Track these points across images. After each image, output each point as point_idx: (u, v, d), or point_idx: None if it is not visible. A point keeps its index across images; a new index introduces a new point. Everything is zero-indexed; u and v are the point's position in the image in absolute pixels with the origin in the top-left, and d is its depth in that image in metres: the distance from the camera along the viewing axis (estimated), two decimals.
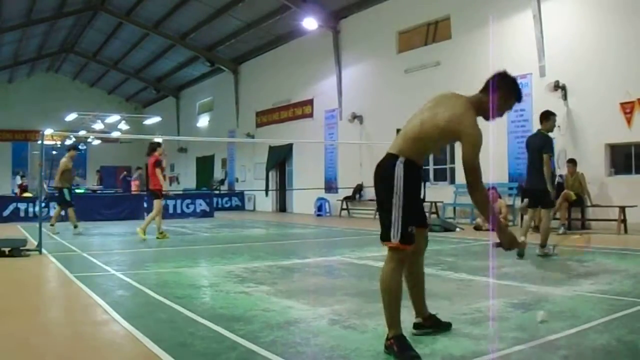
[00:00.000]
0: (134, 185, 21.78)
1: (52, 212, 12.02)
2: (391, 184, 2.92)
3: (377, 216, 3.09)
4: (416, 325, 3.30)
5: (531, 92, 11.75)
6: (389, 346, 2.90)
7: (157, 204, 9.78)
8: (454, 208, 13.44)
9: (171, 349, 3.01)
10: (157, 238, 9.68)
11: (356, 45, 16.86)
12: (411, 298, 3.30)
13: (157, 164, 9.78)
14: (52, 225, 10.82)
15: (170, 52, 24.35)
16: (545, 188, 6.65)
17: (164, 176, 10.09)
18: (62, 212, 11.34)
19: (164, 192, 10.14)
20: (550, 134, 7.00)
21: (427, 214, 3.57)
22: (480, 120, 3.06)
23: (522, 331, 3.30)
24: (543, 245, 6.76)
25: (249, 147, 22.43)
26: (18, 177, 23.07)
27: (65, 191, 10.95)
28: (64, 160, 11.13)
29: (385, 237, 2.94)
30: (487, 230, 10.32)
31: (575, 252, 7.14)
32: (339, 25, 17.34)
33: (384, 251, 3.03)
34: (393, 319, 2.92)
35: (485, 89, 3.13)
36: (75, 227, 10.93)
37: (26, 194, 17.20)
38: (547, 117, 6.91)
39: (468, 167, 2.90)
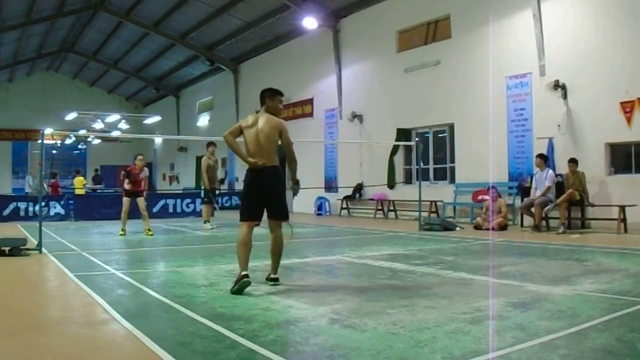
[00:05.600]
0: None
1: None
2: (284, 184, 4.96)
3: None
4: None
5: (531, 92, 11.75)
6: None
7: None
8: (454, 207, 13.43)
9: (171, 348, 3.01)
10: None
11: (356, 45, 16.85)
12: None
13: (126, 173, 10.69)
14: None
15: (170, 51, 24.34)
16: None
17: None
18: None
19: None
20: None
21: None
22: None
23: (522, 330, 3.30)
24: None
25: None
26: (30, 177, 23.00)
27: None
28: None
29: (287, 216, 4.99)
30: (487, 229, 10.32)
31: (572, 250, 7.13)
32: (339, 25, 17.32)
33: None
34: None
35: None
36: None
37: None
38: None
39: (291, 149, 5.13)
